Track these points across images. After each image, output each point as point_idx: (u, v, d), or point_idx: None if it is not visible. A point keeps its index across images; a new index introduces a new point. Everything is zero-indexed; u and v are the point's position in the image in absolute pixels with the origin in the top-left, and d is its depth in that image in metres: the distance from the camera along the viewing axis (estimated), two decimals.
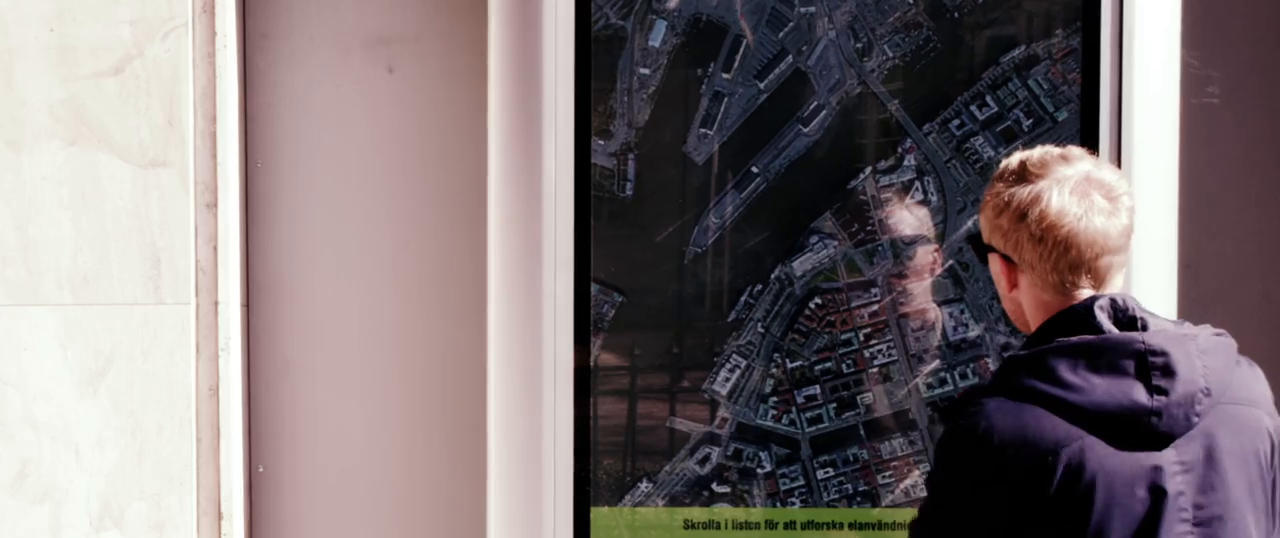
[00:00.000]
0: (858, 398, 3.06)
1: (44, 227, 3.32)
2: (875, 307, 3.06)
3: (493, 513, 3.09)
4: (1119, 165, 2.98)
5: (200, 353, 3.35)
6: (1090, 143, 2.99)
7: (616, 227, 3.05)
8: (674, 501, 3.10)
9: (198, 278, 3.34)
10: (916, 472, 3.07)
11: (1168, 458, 2.07)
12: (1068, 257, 2.11)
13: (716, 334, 3.07)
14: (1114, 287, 2.17)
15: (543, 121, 3.00)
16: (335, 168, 3.47)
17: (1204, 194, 3.44)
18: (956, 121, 3.05)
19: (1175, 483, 2.06)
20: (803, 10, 3.03)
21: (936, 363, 3.07)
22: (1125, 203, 2.13)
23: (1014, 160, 2.17)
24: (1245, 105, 3.51)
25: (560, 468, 3.04)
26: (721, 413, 3.08)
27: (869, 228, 3.05)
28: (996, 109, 3.04)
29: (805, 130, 3.05)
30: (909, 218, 3.05)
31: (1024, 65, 3.04)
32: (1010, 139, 3.03)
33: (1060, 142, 2.98)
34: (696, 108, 3.04)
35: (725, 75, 3.04)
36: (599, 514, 3.08)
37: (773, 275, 3.06)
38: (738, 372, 3.07)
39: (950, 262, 3.05)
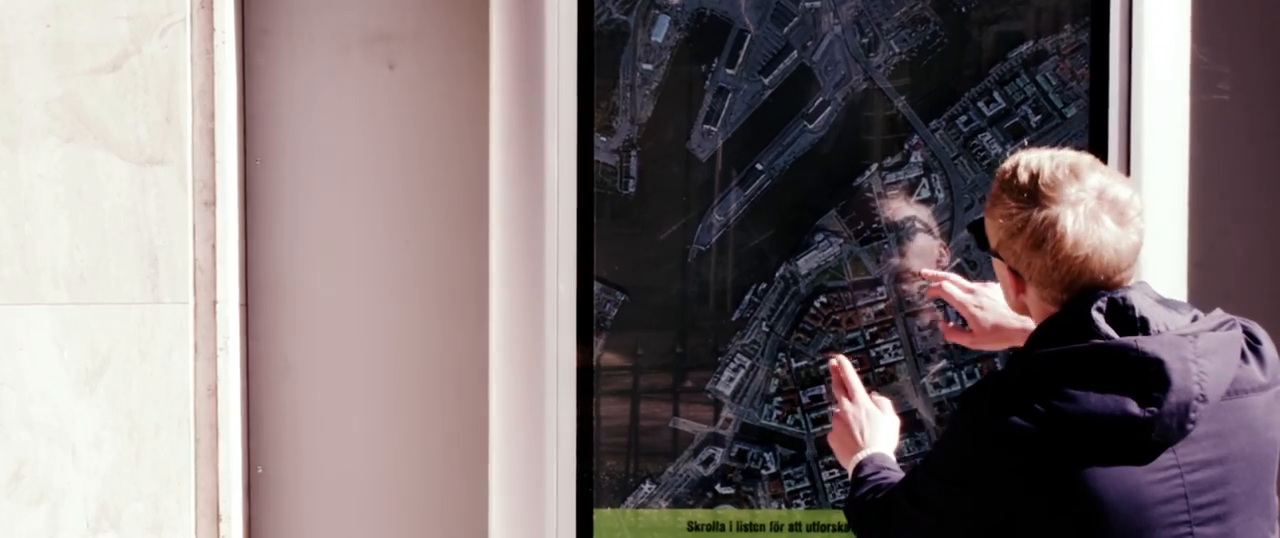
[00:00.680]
0: None
1: (40, 225, 3.30)
2: (881, 305, 3.04)
3: (494, 515, 3.09)
4: (1128, 163, 2.97)
5: (198, 353, 3.33)
6: (1099, 139, 2.98)
7: (619, 225, 3.04)
8: (677, 502, 3.08)
9: (196, 277, 3.32)
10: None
11: (1165, 463, 2.06)
12: (1080, 280, 2.13)
13: (720, 334, 3.05)
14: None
15: (545, 118, 2.99)
16: (335, 166, 3.46)
17: (1215, 192, 3.42)
18: (964, 118, 3.02)
19: (1172, 488, 2.06)
20: (808, 5, 3.00)
21: (943, 363, 3.05)
22: (1136, 222, 2.14)
23: (1022, 172, 2.15)
24: (1257, 102, 3.49)
25: (562, 469, 3.03)
26: (725, 413, 3.07)
27: (875, 225, 3.02)
28: (1004, 105, 3.02)
29: (810, 127, 3.02)
30: (913, 214, 3.03)
31: (1032, 61, 3.01)
32: (1018, 135, 3.01)
33: (1067, 140, 2.97)
34: (700, 104, 3.02)
35: (729, 71, 3.01)
36: (602, 516, 3.07)
37: (777, 274, 3.04)
38: (742, 372, 3.05)
39: (958, 259, 3.03)
